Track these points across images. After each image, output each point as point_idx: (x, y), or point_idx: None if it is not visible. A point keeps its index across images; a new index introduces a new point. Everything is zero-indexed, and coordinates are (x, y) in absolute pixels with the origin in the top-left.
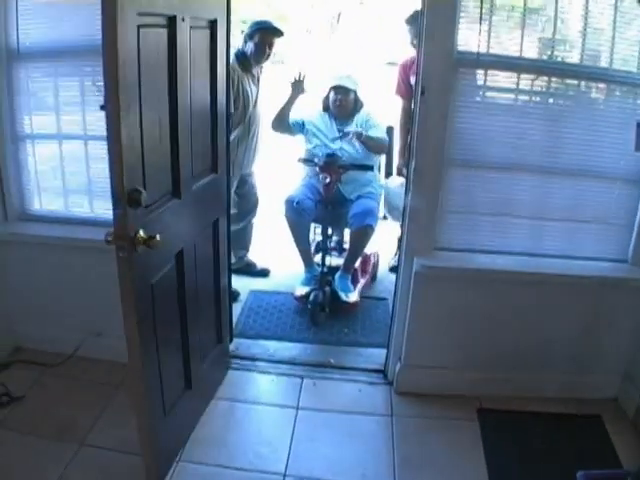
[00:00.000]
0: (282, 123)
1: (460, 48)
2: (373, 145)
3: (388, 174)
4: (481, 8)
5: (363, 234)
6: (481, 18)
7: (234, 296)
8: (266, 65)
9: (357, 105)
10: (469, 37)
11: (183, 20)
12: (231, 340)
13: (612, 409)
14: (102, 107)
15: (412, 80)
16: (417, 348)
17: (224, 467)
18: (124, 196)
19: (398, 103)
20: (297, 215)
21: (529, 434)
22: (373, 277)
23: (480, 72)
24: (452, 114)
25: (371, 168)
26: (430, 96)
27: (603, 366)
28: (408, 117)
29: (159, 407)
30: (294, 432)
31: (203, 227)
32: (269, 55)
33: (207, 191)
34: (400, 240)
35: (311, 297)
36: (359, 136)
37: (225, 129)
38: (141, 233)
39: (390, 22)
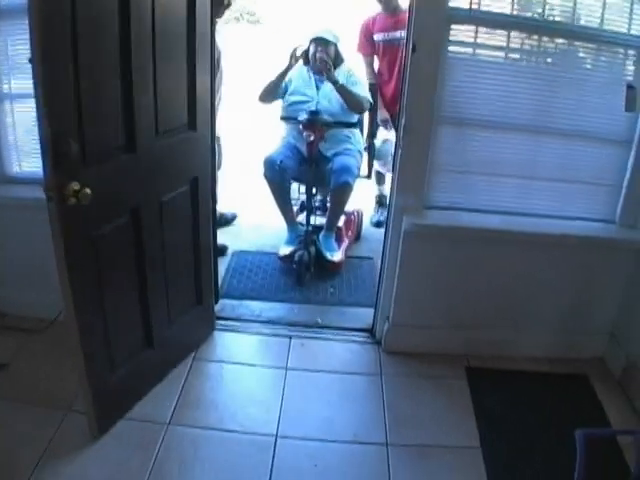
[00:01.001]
0: (274, 95)
1: (452, 4)
2: (351, 100)
3: (373, 134)
4: None
5: (341, 192)
6: None
7: (222, 250)
8: (243, 25)
9: (338, 59)
10: None
11: None
12: (217, 301)
13: (599, 368)
14: (30, 60)
15: (376, 37)
16: (405, 308)
17: (214, 429)
18: (50, 146)
19: (360, 60)
20: (278, 175)
21: (517, 393)
22: (357, 236)
23: (472, 29)
24: (443, 71)
25: (354, 125)
26: (421, 53)
27: (589, 326)
28: (373, 72)
29: (103, 361)
30: (284, 393)
31: (173, 185)
32: (227, 6)
33: (180, 148)
34: (380, 197)
35: (296, 257)
36: (334, 83)
37: (209, 75)
38: (73, 186)
39: None
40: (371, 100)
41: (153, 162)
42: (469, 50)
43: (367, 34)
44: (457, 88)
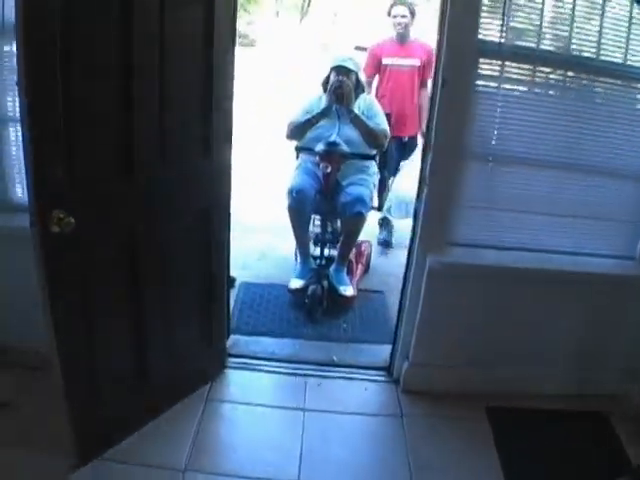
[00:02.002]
0: (304, 133)
1: (481, 37)
2: (366, 132)
3: (384, 166)
4: None
5: (354, 222)
6: (505, 6)
7: (230, 283)
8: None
9: (358, 88)
10: (491, 26)
11: None
12: (228, 337)
13: (617, 406)
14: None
15: (385, 61)
16: (426, 347)
17: (234, 476)
18: (32, 172)
19: None
20: (299, 205)
21: (538, 432)
22: (366, 267)
23: (499, 63)
24: (472, 106)
25: (373, 157)
26: (451, 87)
27: (609, 362)
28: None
29: (88, 394)
30: (303, 436)
31: (180, 215)
32: None
33: (191, 178)
34: (384, 219)
35: (309, 292)
36: (349, 112)
37: (229, 100)
38: (56, 213)
39: (360, 8)
40: (388, 134)
41: (156, 191)
42: (496, 85)
43: (375, 58)
44: (485, 123)
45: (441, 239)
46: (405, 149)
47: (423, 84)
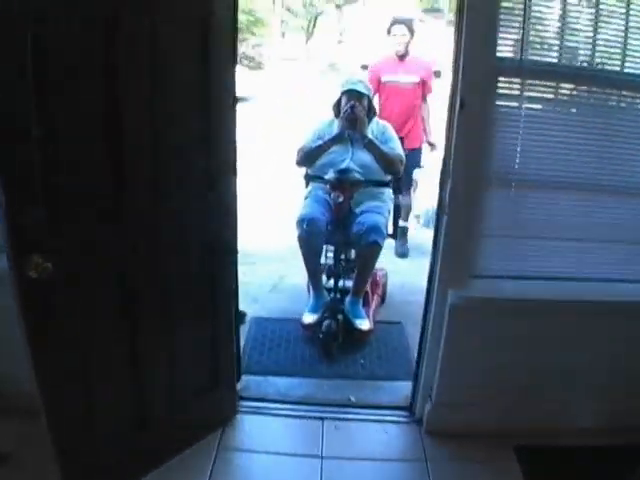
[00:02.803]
0: (315, 160)
1: (500, 54)
2: (381, 158)
3: (398, 190)
4: (525, 9)
5: (370, 252)
6: (523, 20)
7: (240, 318)
8: (244, 71)
9: (370, 112)
10: (509, 41)
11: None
12: (239, 378)
13: None
14: None
15: (385, 78)
16: (450, 385)
17: None
18: (6, 216)
19: None
20: (310, 236)
21: (571, 472)
22: (383, 298)
23: (519, 81)
24: (492, 128)
25: (387, 184)
26: (470, 109)
27: None
28: None
29: (80, 443)
30: None
31: (179, 254)
32: None
33: (192, 213)
34: (403, 229)
35: (323, 327)
36: (363, 138)
37: (233, 123)
38: (34, 258)
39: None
40: (404, 159)
41: (150, 229)
42: (517, 104)
43: (376, 76)
44: (507, 146)
45: (463, 272)
46: (409, 160)
47: (423, 99)
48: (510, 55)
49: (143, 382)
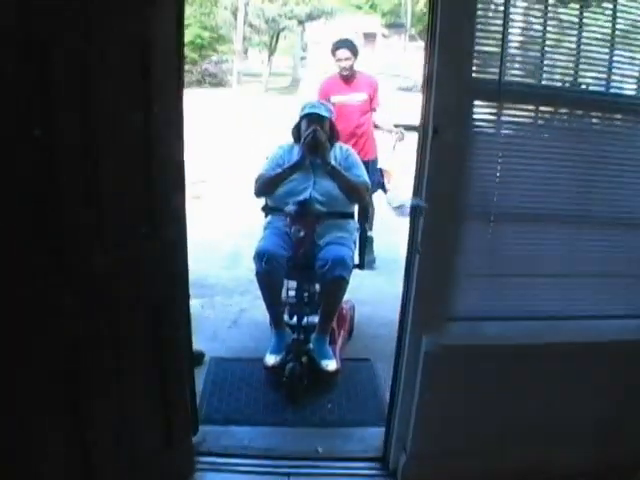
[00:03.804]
0: (274, 189)
1: (477, 75)
2: (346, 186)
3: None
4: (504, 26)
5: (336, 287)
6: (503, 39)
7: (198, 359)
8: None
9: (333, 137)
10: (486, 61)
11: None
12: (196, 432)
13: None
14: None
15: (334, 99)
16: (427, 436)
17: None
18: None
19: None
20: (270, 272)
21: None
22: (349, 332)
23: (500, 104)
24: (468, 158)
25: (352, 216)
26: (443, 136)
27: (632, 436)
28: None
29: None
30: None
31: (124, 313)
32: None
33: (135, 265)
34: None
35: (287, 370)
36: (325, 165)
37: (181, 155)
38: None
39: (328, 42)
40: (370, 187)
41: (91, 288)
42: (495, 130)
43: (326, 95)
44: (484, 176)
45: (438, 315)
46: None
47: (372, 111)
48: (488, 77)
49: (89, 448)
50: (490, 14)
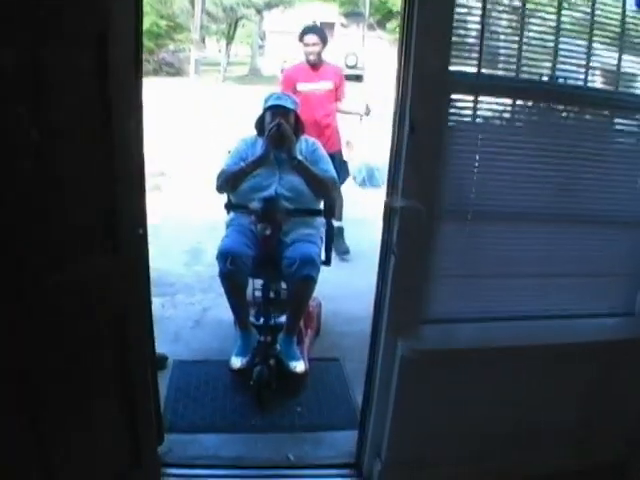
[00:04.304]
0: (237, 185)
1: (453, 67)
2: (313, 180)
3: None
4: (483, 14)
5: (303, 287)
6: (482, 29)
7: (161, 362)
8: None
9: (298, 129)
10: (463, 53)
11: None
12: (161, 442)
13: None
14: None
15: (300, 87)
16: (402, 443)
17: None
18: None
19: None
20: (234, 272)
21: None
22: (317, 331)
23: (472, 99)
24: (446, 155)
25: (320, 213)
26: (420, 134)
27: (607, 433)
28: None
29: None
30: None
31: (84, 331)
32: None
33: (94, 283)
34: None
35: (254, 374)
36: (291, 159)
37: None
38: None
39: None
40: (337, 181)
41: (48, 307)
42: (472, 126)
43: (291, 83)
44: (461, 174)
45: (414, 317)
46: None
47: (337, 101)
48: (465, 69)
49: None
50: (469, 4)
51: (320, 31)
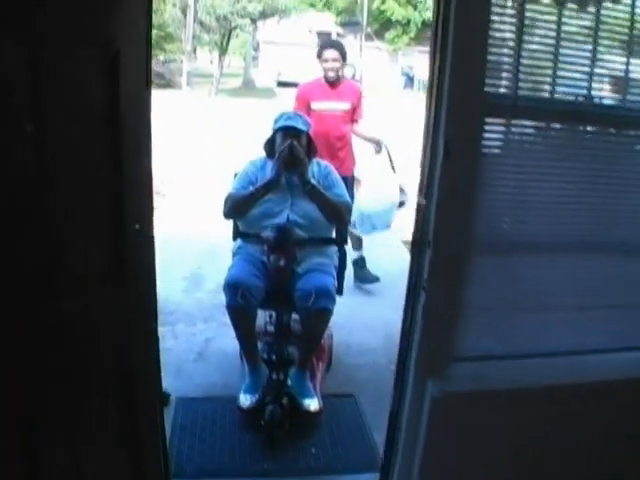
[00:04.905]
0: (246, 210)
1: (489, 89)
2: (326, 206)
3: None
4: (520, 32)
5: (319, 320)
6: (520, 47)
7: (163, 400)
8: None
9: (310, 151)
10: (499, 73)
11: None
12: None
13: None
14: None
15: (315, 106)
16: None
17: None
18: None
19: None
20: (243, 305)
21: None
22: (328, 364)
23: (514, 122)
24: (480, 182)
25: (334, 242)
26: (456, 160)
27: None
28: None
29: None
30: None
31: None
32: None
33: (96, 317)
34: (359, 260)
35: (266, 414)
36: (304, 184)
37: (150, 202)
38: None
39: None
40: (351, 207)
41: (43, 342)
42: (507, 151)
43: (304, 102)
44: (495, 202)
45: (445, 356)
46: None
47: (353, 123)
48: (501, 90)
49: None
50: (505, 20)
51: (340, 46)
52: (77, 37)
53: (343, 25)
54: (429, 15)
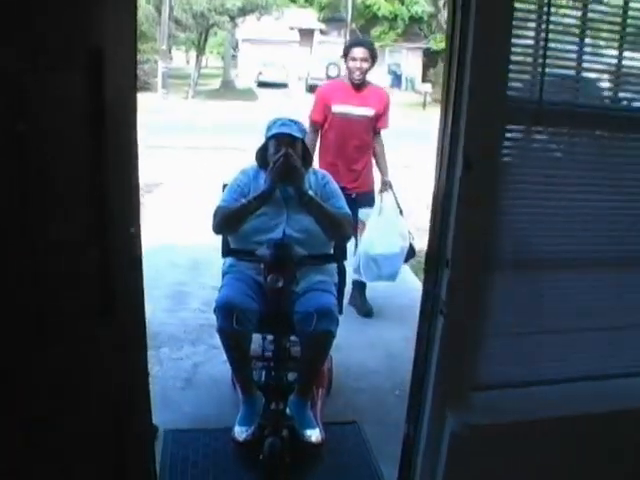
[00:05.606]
0: (238, 225)
1: (512, 94)
2: (328, 220)
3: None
4: (546, 32)
5: (321, 343)
6: (545, 48)
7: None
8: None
9: (306, 160)
10: (525, 78)
11: None
12: None
13: None
14: None
15: (335, 109)
16: None
17: None
18: None
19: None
20: (237, 329)
21: None
22: (328, 389)
23: (537, 129)
24: (502, 196)
25: (334, 259)
26: (477, 171)
27: None
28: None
29: None
30: None
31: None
32: None
33: (83, 358)
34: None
35: (266, 448)
36: (301, 196)
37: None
38: None
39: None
40: (352, 220)
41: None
42: (530, 161)
43: (324, 103)
44: (517, 216)
45: (464, 384)
46: (356, 206)
47: (376, 133)
48: (525, 96)
49: None
50: (528, 21)
51: (370, 45)
52: (62, 37)
53: (326, 21)
54: (417, 9)
